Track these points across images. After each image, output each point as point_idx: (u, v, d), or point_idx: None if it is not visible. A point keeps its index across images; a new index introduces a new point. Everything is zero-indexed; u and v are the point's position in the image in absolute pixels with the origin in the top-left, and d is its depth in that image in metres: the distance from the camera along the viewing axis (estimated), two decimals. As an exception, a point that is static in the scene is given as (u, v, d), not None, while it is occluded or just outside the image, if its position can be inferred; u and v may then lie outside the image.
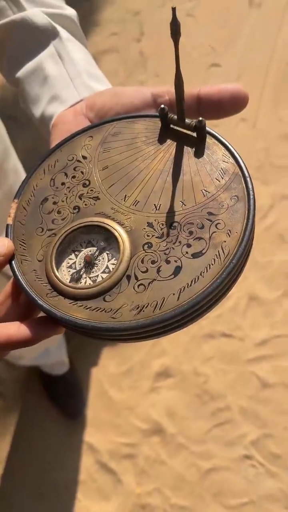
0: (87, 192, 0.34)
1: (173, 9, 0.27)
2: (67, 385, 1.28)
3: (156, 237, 0.30)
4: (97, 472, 1.23)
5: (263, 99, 1.60)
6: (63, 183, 0.35)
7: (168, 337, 1.31)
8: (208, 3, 1.83)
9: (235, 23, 1.77)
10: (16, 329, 0.29)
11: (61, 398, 1.28)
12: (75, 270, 0.32)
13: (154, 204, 0.32)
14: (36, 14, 0.43)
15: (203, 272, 0.28)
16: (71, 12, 0.46)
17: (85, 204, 0.33)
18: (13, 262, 0.32)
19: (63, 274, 0.32)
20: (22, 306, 0.32)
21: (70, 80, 0.41)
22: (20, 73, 0.43)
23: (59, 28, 0.43)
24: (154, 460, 1.21)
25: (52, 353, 1.18)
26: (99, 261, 0.32)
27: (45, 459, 1.27)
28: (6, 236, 0.34)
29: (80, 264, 0.32)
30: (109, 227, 0.32)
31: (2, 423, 1.32)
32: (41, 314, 0.32)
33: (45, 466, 1.26)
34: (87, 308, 0.29)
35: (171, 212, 0.31)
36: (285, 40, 1.69)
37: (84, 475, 1.23)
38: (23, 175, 0.80)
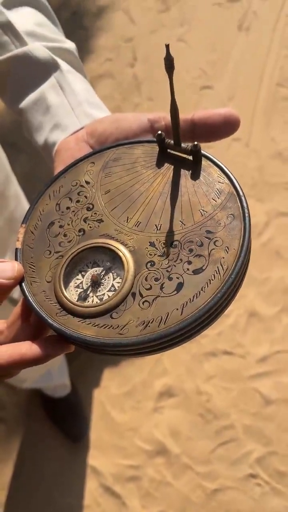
0: (91, 215, 0.35)
1: (167, 46, 0.29)
2: (69, 407, 1.27)
3: (158, 256, 0.32)
4: (101, 496, 1.21)
5: (255, 119, 1.63)
6: (68, 208, 0.36)
7: (169, 356, 1.31)
8: (199, 28, 1.89)
9: (225, 46, 1.82)
10: (28, 348, 0.30)
11: (64, 420, 1.27)
12: (82, 290, 0.33)
13: (155, 225, 0.33)
14: (37, 48, 0.45)
15: (204, 287, 0.30)
16: (70, 45, 0.49)
17: (90, 227, 0.35)
18: (23, 284, 0.34)
19: (71, 294, 0.33)
20: (33, 326, 0.33)
21: (71, 109, 0.43)
22: (23, 104, 0.46)
23: (59, 60, 0.46)
24: (159, 482, 1.20)
25: (54, 376, 1.18)
26: (105, 280, 0.33)
27: (48, 484, 1.26)
28: (16, 259, 0.35)
29: (87, 284, 0.33)
30: (113, 248, 0.33)
31: (4, 448, 1.31)
32: (51, 333, 0.33)
33: (49, 491, 1.25)
34: (95, 326, 0.31)
35: (171, 232, 0.33)
36: (274, 62, 1.73)
37: (89, 499, 1.22)
38: (24, 201, 0.82)
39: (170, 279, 0.31)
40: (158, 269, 0.31)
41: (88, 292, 0.33)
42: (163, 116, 0.38)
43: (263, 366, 1.27)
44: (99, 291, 0.33)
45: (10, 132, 1.72)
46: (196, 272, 0.31)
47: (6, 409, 1.35)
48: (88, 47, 1.97)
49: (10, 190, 0.76)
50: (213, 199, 0.33)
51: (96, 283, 0.33)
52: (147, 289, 0.31)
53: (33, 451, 1.30)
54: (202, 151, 0.35)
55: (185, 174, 0.35)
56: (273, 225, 1.44)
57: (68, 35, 0.51)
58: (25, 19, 0.46)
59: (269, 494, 1.14)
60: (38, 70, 0.45)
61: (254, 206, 1.47)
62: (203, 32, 1.88)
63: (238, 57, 1.79)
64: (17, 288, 0.34)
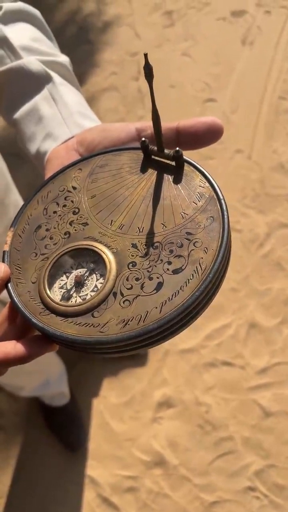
0: (77, 219, 0.37)
1: (145, 55, 0.30)
2: (67, 416, 1.27)
3: (140, 257, 0.33)
4: (99, 507, 1.21)
5: (258, 132, 1.65)
6: (55, 212, 0.38)
7: (169, 366, 1.31)
8: (203, 42, 1.92)
9: (229, 60, 1.85)
10: (13, 347, 0.32)
11: (62, 429, 1.27)
12: (66, 290, 0.34)
13: (138, 227, 0.34)
14: (31, 62, 0.47)
15: (183, 286, 0.31)
16: (64, 59, 0.50)
17: (75, 230, 0.36)
18: (9, 285, 0.35)
19: (55, 294, 0.34)
20: (19, 327, 0.34)
21: (62, 120, 0.45)
22: (17, 115, 0.47)
23: (52, 73, 0.47)
24: (157, 493, 1.19)
25: (52, 384, 1.18)
26: (88, 281, 0.34)
27: (46, 494, 1.25)
28: (3, 261, 0.37)
29: (70, 284, 0.34)
30: (97, 249, 0.34)
31: (3, 456, 1.31)
32: (36, 334, 0.34)
33: (47, 500, 1.24)
34: (76, 324, 0.32)
35: (153, 234, 0.34)
36: (277, 75, 1.75)
37: (86, 510, 1.21)
38: None
39: (150, 279, 0.32)
40: (139, 269, 0.32)
41: (72, 292, 0.34)
42: (150, 125, 0.39)
43: (263, 377, 1.26)
44: (83, 291, 0.34)
45: (14, 143, 1.75)
46: (175, 272, 0.31)
47: (6, 417, 1.35)
48: (93, 61, 2.01)
49: (10, 199, 0.78)
50: (194, 202, 0.34)
51: (79, 284, 0.34)
52: (128, 289, 0.32)
53: (31, 459, 1.30)
54: (184, 157, 0.36)
55: (168, 178, 0.36)
56: (275, 237, 1.44)
57: (74, 50, 0.53)
58: (21, 34, 0.48)
59: (268, 508, 1.12)
60: (31, 83, 0.47)
61: (256, 218, 1.48)
62: (207, 47, 1.91)
63: (242, 70, 1.81)
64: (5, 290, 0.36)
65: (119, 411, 1.30)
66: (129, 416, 1.29)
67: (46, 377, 1.14)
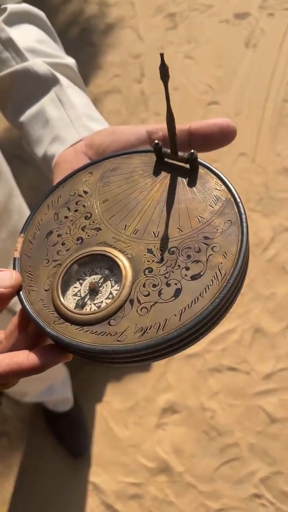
0: (89, 224, 0.35)
1: (161, 55, 0.29)
2: (71, 422, 1.26)
3: (156, 262, 0.32)
4: (103, 514, 1.19)
5: (261, 135, 1.64)
6: (66, 217, 0.37)
7: (173, 371, 1.30)
8: (206, 45, 1.91)
9: (232, 63, 1.84)
10: (26, 357, 0.30)
11: (66, 435, 1.26)
12: (80, 297, 0.33)
13: (153, 232, 0.33)
14: (37, 64, 0.46)
15: (202, 293, 0.29)
16: (70, 61, 0.49)
17: (88, 235, 0.35)
18: (21, 292, 0.34)
19: (69, 302, 0.33)
20: (31, 336, 0.33)
21: (70, 122, 0.44)
22: (24, 118, 0.46)
23: (59, 75, 0.46)
24: (162, 500, 1.18)
25: (56, 390, 1.17)
26: (103, 288, 0.33)
27: (49, 501, 1.24)
28: (14, 268, 0.35)
29: (85, 292, 0.33)
30: (111, 255, 0.33)
31: (6, 463, 1.30)
32: (49, 342, 0.33)
33: (50, 507, 1.23)
34: (93, 333, 0.30)
35: (169, 238, 0.33)
36: (280, 78, 1.74)
37: (90, 517, 1.20)
38: (27, 214, 0.82)
39: (168, 285, 0.31)
40: (156, 275, 0.31)
41: (86, 300, 0.33)
42: (161, 127, 0.38)
43: (268, 383, 1.25)
44: (97, 298, 0.33)
45: (18, 146, 1.74)
46: (194, 277, 0.30)
47: (9, 422, 1.34)
48: (96, 63, 2.00)
49: (14, 204, 0.77)
50: (210, 206, 0.33)
51: (94, 291, 0.33)
52: (145, 296, 0.31)
53: (34, 466, 1.28)
54: (198, 159, 0.35)
55: (182, 182, 0.35)
56: (279, 241, 1.43)
57: (77, 52, 0.52)
58: (26, 36, 0.48)
59: (274, 515, 1.11)
60: (38, 85, 0.46)
61: (260, 221, 1.47)
62: (210, 49, 1.90)
63: (245, 73, 1.80)
64: (16, 298, 0.34)
65: (123, 417, 1.28)
66: (133, 422, 1.27)
67: (50, 383, 1.13)
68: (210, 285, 0.30)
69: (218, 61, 1.86)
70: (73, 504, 1.22)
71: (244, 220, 0.31)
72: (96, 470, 1.24)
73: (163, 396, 1.28)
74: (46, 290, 0.34)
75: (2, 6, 0.49)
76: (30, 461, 1.29)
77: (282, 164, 1.56)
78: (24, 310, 0.33)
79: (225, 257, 0.30)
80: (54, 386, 1.15)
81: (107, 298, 0.32)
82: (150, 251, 0.33)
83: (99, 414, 1.30)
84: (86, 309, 0.32)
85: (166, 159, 0.36)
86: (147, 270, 0.32)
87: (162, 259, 0.32)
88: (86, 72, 1.95)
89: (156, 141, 0.35)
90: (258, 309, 1.34)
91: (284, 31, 1.86)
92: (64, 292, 0.33)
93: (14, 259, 0.36)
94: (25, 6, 0.50)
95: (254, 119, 1.68)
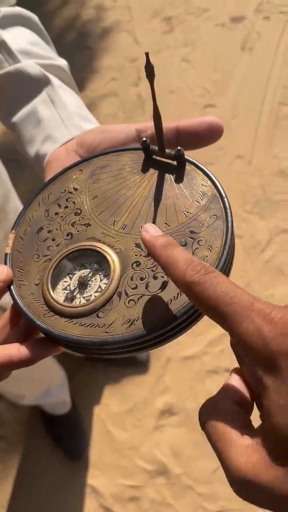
0: (79, 220, 0.36)
1: (146, 54, 0.30)
2: (69, 424, 1.26)
3: (144, 256, 0.33)
4: (101, 517, 1.19)
5: (258, 137, 1.64)
6: (56, 213, 0.37)
7: (171, 373, 1.30)
8: (202, 48, 1.92)
9: (228, 66, 1.85)
10: (16, 350, 0.31)
11: (63, 438, 1.26)
12: (69, 291, 0.34)
13: (141, 227, 0.34)
14: (29, 65, 0.47)
15: None
16: (62, 62, 0.50)
17: (78, 231, 0.36)
18: (12, 287, 0.35)
19: (59, 296, 0.34)
20: (22, 329, 0.34)
21: (61, 122, 0.45)
22: (16, 118, 0.47)
23: (51, 76, 0.47)
24: (160, 503, 1.18)
25: (54, 393, 1.17)
26: (92, 282, 0.34)
27: (47, 503, 1.24)
28: (5, 264, 0.36)
29: (74, 285, 0.34)
30: (100, 250, 0.34)
31: (4, 466, 1.29)
32: (40, 336, 0.33)
33: (48, 510, 1.23)
34: (82, 325, 0.31)
35: None
36: (276, 81, 1.75)
37: (88, 520, 1.20)
38: None
39: (155, 278, 0.32)
40: (143, 269, 0.32)
41: (75, 293, 0.34)
42: (150, 125, 0.39)
43: (266, 384, 1.25)
44: (86, 292, 0.33)
45: (15, 149, 1.75)
46: None
47: (7, 426, 1.34)
48: (93, 67, 2.01)
49: (10, 205, 0.77)
50: (197, 201, 0.34)
51: (83, 285, 0.34)
52: (132, 288, 0.32)
53: (32, 469, 1.28)
54: (185, 156, 0.35)
55: (169, 178, 0.36)
56: (276, 242, 1.44)
57: (73, 56, 0.53)
58: (19, 38, 0.48)
59: (272, 517, 1.11)
60: (30, 86, 0.46)
61: (257, 223, 1.47)
62: (207, 52, 1.91)
63: (241, 76, 1.81)
64: (7, 295, 0.35)
65: (121, 419, 1.28)
66: (131, 424, 1.27)
67: (47, 385, 1.13)
68: None
69: (215, 65, 1.87)
70: (71, 506, 1.22)
71: (229, 214, 0.32)
72: (94, 472, 1.24)
73: (161, 398, 1.29)
74: (36, 285, 0.34)
75: None
76: (28, 464, 1.29)
77: (278, 166, 1.57)
78: (15, 303, 0.34)
79: (210, 251, 0.31)
80: (51, 389, 1.15)
81: (96, 291, 0.33)
82: (138, 245, 0.33)
83: (97, 417, 1.30)
84: (75, 302, 0.33)
85: (154, 156, 0.37)
86: (135, 264, 0.33)
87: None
88: (82, 76, 1.96)
89: (144, 139, 0.36)
90: (255, 310, 1.34)
91: (280, 35, 1.87)
92: (54, 286, 0.34)
93: (6, 254, 0.37)
94: (18, 9, 0.51)
95: (251, 122, 1.69)
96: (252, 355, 0.22)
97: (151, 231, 0.29)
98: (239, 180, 1.56)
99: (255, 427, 0.23)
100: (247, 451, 0.22)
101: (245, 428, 0.23)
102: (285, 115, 1.67)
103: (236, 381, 0.26)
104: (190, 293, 0.24)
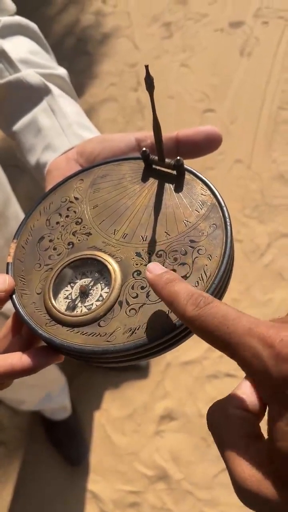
0: (80, 229, 0.37)
1: (146, 67, 0.30)
2: (68, 430, 1.26)
3: (144, 265, 0.33)
4: (101, 523, 1.19)
5: (257, 142, 1.65)
6: (57, 222, 0.38)
7: (171, 378, 1.30)
8: (201, 53, 1.93)
9: (227, 71, 1.86)
10: (19, 359, 0.31)
11: (63, 443, 1.26)
12: (70, 300, 0.34)
13: (141, 236, 0.34)
14: (30, 75, 0.47)
15: None
16: (62, 71, 0.51)
17: (79, 240, 0.36)
18: (14, 296, 0.35)
19: (60, 304, 0.34)
20: (24, 338, 0.34)
21: (62, 131, 0.45)
22: (16, 127, 0.48)
23: (51, 85, 0.48)
24: (160, 508, 1.17)
25: (54, 398, 1.17)
26: (93, 291, 0.34)
27: (48, 509, 1.23)
28: (7, 273, 0.36)
29: (75, 294, 0.34)
30: (101, 259, 0.34)
31: (4, 471, 1.29)
32: (42, 344, 0.34)
33: (48, 517, 1.23)
34: (83, 334, 0.32)
35: (156, 242, 0.34)
36: (275, 85, 1.76)
37: (88, 526, 1.19)
38: None
39: None
40: (144, 278, 0.32)
41: (77, 302, 0.34)
42: (149, 135, 0.39)
43: (266, 389, 1.25)
44: (88, 301, 0.34)
45: (14, 154, 1.75)
46: None
47: (7, 431, 1.34)
48: (92, 72, 2.02)
49: (10, 210, 0.78)
50: (196, 210, 0.34)
51: (84, 294, 0.34)
52: (133, 297, 0.32)
53: (32, 474, 1.28)
54: (185, 166, 0.36)
55: (169, 187, 0.36)
56: (276, 247, 1.44)
57: (73, 61, 0.53)
58: (19, 47, 0.49)
59: (273, 523, 1.11)
60: (30, 95, 0.47)
61: (256, 228, 1.48)
62: (206, 57, 1.92)
63: (240, 81, 1.82)
64: (9, 303, 0.35)
65: (120, 424, 1.28)
66: (131, 430, 1.27)
67: (47, 391, 1.13)
68: (196, 286, 0.31)
69: (214, 70, 1.87)
70: (71, 512, 1.22)
71: (228, 224, 0.32)
72: (94, 478, 1.24)
73: (161, 403, 1.28)
74: (38, 294, 0.35)
75: None
76: (28, 470, 1.29)
77: (277, 171, 1.57)
78: (17, 313, 0.34)
79: (210, 260, 0.31)
80: (51, 394, 1.15)
81: (97, 300, 0.33)
82: (138, 254, 0.34)
83: (97, 422, 1.30)
84: (77, 311, 0.33)
85: (153, 166, 0.37)
86: (136, 273, 0.33)
87: (150, 262, 0.33)
88: (82, 81, 1.97)
89: (144, 149, 0.36)
90: (255, 315, 1.34)
91: (279, 39, 1.88)
92: (55, 295, 0.34)
93: (8, 264, 0.37)
94: (18, 19, 0.51)
95: (250, 127, 1.69)
96: (256, 381, 0.22)
97: (154, 271, 0.29)
98: (239, 185, 1.57)
99: (263, 434, 0.24)
100: (253, 464, 0.22)
101: (253, 437, 0.23)
102: (284, 120, 1.68)
103: (247, 387, 0.26)
104: (193, 328, 0.25)
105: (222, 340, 0.23)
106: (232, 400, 0.25)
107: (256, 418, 0.25)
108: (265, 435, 0.23)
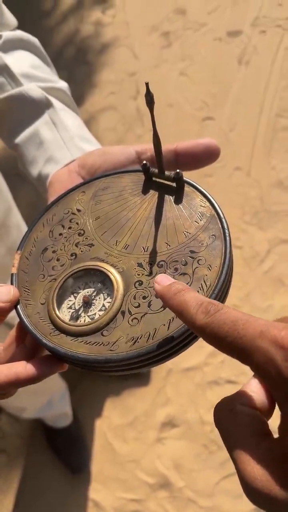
0: (83, 240, 0.37)
1: (147, 84, 0.31)
2: (70, 438, 1.25)
3: (146, 275, 0.34)
4: (103, 531, 1.18)
5: (256, 149, 1.66)
6: (60, 234, 0.39)
7: (172, 385, 1.30)
8: (200, 62, 1.95)
9: (226, 79, 1.88)
10: (23, 368, 0.32)
11: (65, 451, 1.26)
12: (74, 310, 0.35)
13: (142, 247, 0.35)
14: (31, 89, 0.48)
15: None
16: (63, 84, 0.52)
17: (81, 251, 0.37)
18: (18, 306, 0.36)
19: (64, 314, 0.35)
20: (28, 347, 0.35)
21: (63, 143, 0.46)
22: (19, 140, 0.48)
23: (52, 99, 0.49)
24: (162, 516, 1.17)
25: (55, 405, 1.17)
26: (96, 301, 0.35)
27: (49, 518, 1.23)
28: (12, 284, 0.37)
29: (79, 304, 0.35)
30: (103, 270, 0.35)
31: (5, 479, 1.29)
32: (46, 353, 0.34)
33: (49, 525, 1.22)
34: (87, 343, 0.32)
35: (157, 253, 0.35)
36: (273, 93, 1.78)
37: (90, 534, 1.19)
38: (25, 230, 0.84)
39: (157, 297, 0.32)
40: (145, 287, 0.33)
41: (80, 312, 0.35)
42: (149, 147, 0.40)
43: (267, 395, 1.25)
44: (91, 310, 0.34)
45: (15, 163, 1.77)
46: None
47: (8, 439, 1.34)
48: (92, 81, 2.04)
49: (12, 220, 0.78)
50: (196, 222, 0.35)
51: (87, 304, 0.35)
52: (135, 307, 0.33)
53: (33, 482, 1.28)
54: (184, 178, 0.37)
55: (169, 199, 0.37)
56: (275, 253, 1.44)
57: (73, 71, 0.54)
58: (20, 61, 0.50)
59: (275, 530, 1.10)
60: (32, 108, 0.48)
61: (256, 235, 1.48)
62: (205, 66, 1.94)
63: (239, 89, 1.84)
64: (13, 312, 0.36)
65: (122, 432, 1.28)
66: (133, 437, 1.27)
67: (48, 398, 1.13)
68: None
69: (212, 78, 1.89)
70: (73, 521, 1.21)
71: (227, 234, 0.33)
72: (96, 486, 1.24)
73: (162, 410, 1.28)
74: (42, 304, 0.35)
75: None
76: (29, 478, 1.28)
77: (276, 178, 1.58)
78: (21, 323, 0.35)
79: (210, 270, 0.32)
80: (52, 401, 1.15)
81: (100, 310, 0.34)
82: (140, 265, 0.34)
83: (99, 429, 1.30)
84: (80, 320, 0.34)
85: (154, 178, 0.38)
86: (137, 283, 0.34)
87: (151, 272, 0.34)
88: (82, 91, 1.98)
89: (144, 162, 0.37)
90: (255, 321, 1.34)
91: (276, 48, 1.90)
92: (59, 305, 0.35)
93: (12, 274, 0.38)
94: (19, 33, 0.53)
95: (249, 134, 1.71)
96: (269, 384, 0.22)
97: (163, 282, 0.29)
98: (238, 192, 1.58)
99: (272, 433, 0.23)
100: (263, 463, 0.22)
101: (262, 435, 0.23)
102: (282, 127, 1.69)
103: (255, 385, 0.26)
104: (204, 336, 0.24)
105: (234, 346, 0.23)
106: (240, 397, 0.25)
107: (265, 416, 0.25)
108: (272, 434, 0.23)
